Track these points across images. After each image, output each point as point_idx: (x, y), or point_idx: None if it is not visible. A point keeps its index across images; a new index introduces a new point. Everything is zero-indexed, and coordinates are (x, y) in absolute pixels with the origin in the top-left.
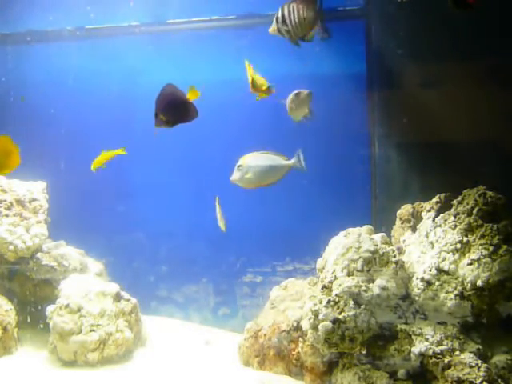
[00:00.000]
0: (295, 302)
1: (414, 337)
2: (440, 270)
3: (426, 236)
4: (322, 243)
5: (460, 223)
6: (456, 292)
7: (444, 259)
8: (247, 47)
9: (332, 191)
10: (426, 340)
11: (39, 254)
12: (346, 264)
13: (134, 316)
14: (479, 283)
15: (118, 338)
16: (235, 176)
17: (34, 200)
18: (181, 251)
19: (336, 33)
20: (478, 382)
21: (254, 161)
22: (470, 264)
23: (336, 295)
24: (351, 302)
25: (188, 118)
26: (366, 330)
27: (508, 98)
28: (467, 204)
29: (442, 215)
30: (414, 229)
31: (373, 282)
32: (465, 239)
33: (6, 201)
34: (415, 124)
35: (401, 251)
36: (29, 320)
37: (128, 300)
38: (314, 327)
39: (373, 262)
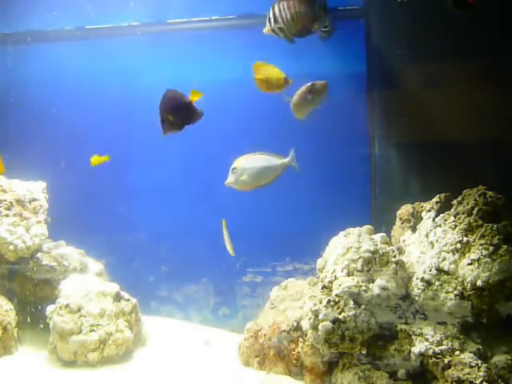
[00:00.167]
0: (295, 301)
1: (414, 337)
2: (440, 270)
3: (426, 236)
4: (322, 243)
5: (460, 223)
6: (456, 292)
7: (444, 259)
8: (247, 47)
9: (332, 191)
10: (426, 340)
11: (39, 254)
12: (345, 264)
13: (134, 316)
14: (479, 283)
15: (118, 337)
16: (230, 179)
17: (34, 200)
18: (181, 251)
19: (336, 33)
20: (477, 382)
21: (248, 162)
22: (470, 264)
23: (336, 295)
24: (351, 302)
25: (194, 119)
26: (366, 330)
27: (508, 98)
28: (467, 204)
29: (441, 215)
30: (414, 229)
31: (373, 282)
32: (465, 239)
33: (5, 201)
34: (415, 124)
35: (401, 251)
36: (29, 320)
37: (128, 300)
38: (314, 327)
39: (373, 262)
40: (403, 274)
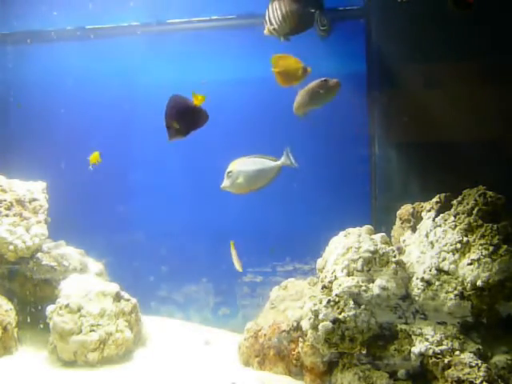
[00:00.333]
0: (295, 301)
1: (414, 337)
2: (440, 270)
3: (426, 236)
4: (322, 243)
5: (460, 223)
6: (456, 292)
7: (444, 259)
8: (247, 47)
9: (332, 191)
10: (426, 340)
11: (39, 254)
12: (346, 264)
13: (134, 316)
14: (479, 283)
15: (118, 337)
16: (226, 183)
17: (34, 200)
18: (181, 251)
19: (336, 33)
20: (478, 382)
21: (243, 165)
22: (470, 264)
23: (336, 295)
24: (351, 302)
25: (200, 123)
26: (366, 330)
27: (508, 98)
28: (467, 204)
29: (441, 215)
30: (414, 229)
31: (373, 282)
32: (465, 239)
33: (5, 201)
34: (415, 124)
35: (401, 251)
36: (29, 320)
37: (128, 300)
38: (314, 327)
39: (373, 262)
40: (403, 274)
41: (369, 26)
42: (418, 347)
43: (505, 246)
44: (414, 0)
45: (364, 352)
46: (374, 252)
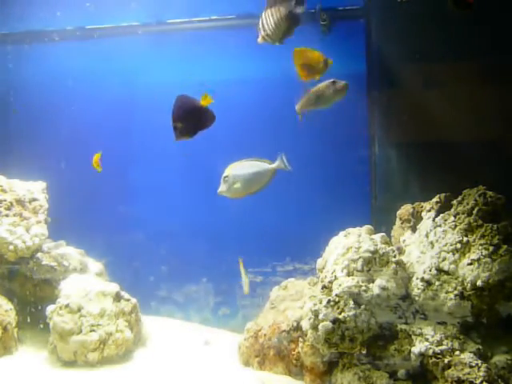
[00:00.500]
0: (295, 302)
1: (413, 337)
2: (440, 270)
3: (426, 236)
4: (322, 243)
5: (460, 223)
6: (456, 292)
7: (444, 259)
8: (247, 47)
9: (332, 191)
10: (426, 340)
11: (39, 254)
12: (346, 264)
13: (134, 316)
14: (479, 283)
15: (118, 337)
16: (222, 188)
17: (34, 200)
18: (181, 251)
19: (336, 33)
20: (477, 382)
21: (239, 170)
22: (470, 264)
23: (336, 295)
24: (351, 302)
25: (207, 124)
26: (366, 330)
27: (508, 98)
28: (467, 204)
29: (441, 215)
30: (414, 229)
31: (373, 282)
32: (465, 239)
33: (5, 201)
34: (415, 124)
35: (401, 251)
36: (29, 320)
37: (128, 300)
38: (314, 327)
39: (373, 262)
40: (403, 274)
41: (369, 26)
42: (418, 347)
43: (505, 246)
44: (413, 0)
45: (364, 352)
46: (374, 252)
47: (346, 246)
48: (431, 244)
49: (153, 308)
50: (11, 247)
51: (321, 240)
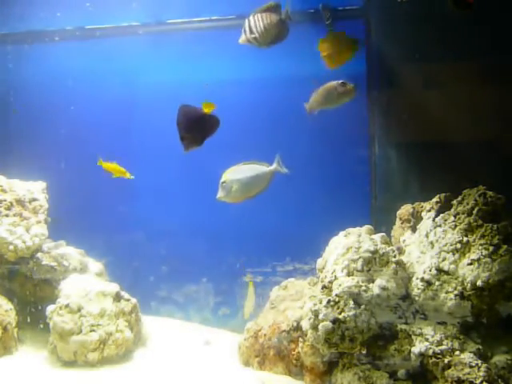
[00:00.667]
0: (295, 302)
1: (413, 337)
2: (440, 270)
3: (426, 236)
4: (321, 243)
5: (460, 223)
6: (456, 292)
7: (444, 259)
8: (247, 47)
9: (332, 191)
10: (426, 340)
11: (39, 254)
12: (346, 264)
13: (134, 316)
14: (479, 283)
15: (118, 337)
16: (221, 193)
17: (34, 200)
18: (181, 251)
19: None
20: (477, 382)
21: (236, 174)
22: (470, 264)
23: (336, 295)
24: (351, 302)
25: (213, 130)
26: (366, 330)
27: (508, 98)
28: (467, 204)
29: (441, 215)
30: (414, 229)
31: (373, 282)
32: (465, 239)
33: (5, 201)
34: (415, 124)
35: (401, 251)
36: (29, 320)
37: (128, 300)
38: (314, 327)
39: (373, 262)
40: (403, 274)
41: (368, 26)
42: (418, 347)
43: (505, 246)
44: (413, 0)
45: (364, 352)
46: (374, 252)
47: (346, 246)
48: (431, 244)
49: (153, 308)
50: (11, 247)
51: (321, 240)
